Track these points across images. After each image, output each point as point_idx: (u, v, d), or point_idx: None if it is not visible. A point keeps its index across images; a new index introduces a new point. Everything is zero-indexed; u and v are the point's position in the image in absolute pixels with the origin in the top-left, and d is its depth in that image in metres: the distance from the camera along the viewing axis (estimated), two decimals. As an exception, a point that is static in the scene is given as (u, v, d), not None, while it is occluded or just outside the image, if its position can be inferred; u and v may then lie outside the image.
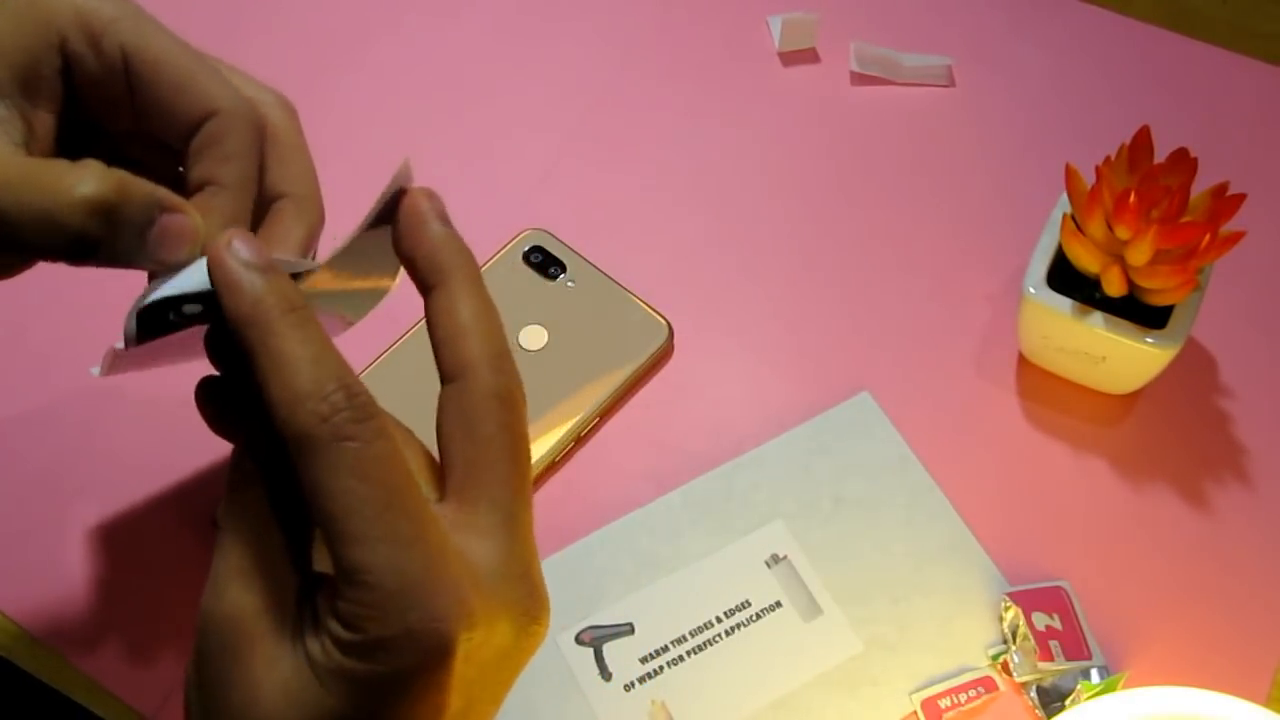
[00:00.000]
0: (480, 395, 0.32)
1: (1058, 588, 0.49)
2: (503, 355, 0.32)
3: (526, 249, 0.58)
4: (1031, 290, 0.51)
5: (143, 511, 0.52)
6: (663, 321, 0.56)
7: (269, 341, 0.30)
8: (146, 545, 0.51)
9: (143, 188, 0.33)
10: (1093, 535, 0.51)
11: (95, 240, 0.32)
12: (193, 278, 0.32)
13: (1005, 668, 0.47)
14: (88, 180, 0.32)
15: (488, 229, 0.59)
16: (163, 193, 0.33)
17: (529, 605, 0.32)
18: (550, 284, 0.57)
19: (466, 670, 0.30)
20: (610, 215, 0.61)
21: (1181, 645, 0.48)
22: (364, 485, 0.29)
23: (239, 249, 0.31)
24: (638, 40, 0.67)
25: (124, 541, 0.51)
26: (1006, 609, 0.48)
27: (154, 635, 0.49)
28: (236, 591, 0.30)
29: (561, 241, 0.58)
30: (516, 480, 0.32)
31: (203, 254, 0.33)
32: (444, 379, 0.33)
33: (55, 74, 0.35)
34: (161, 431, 0.53)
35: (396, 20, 0.68)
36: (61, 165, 0.33)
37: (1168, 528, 0.51)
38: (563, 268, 0.57)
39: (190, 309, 0.33)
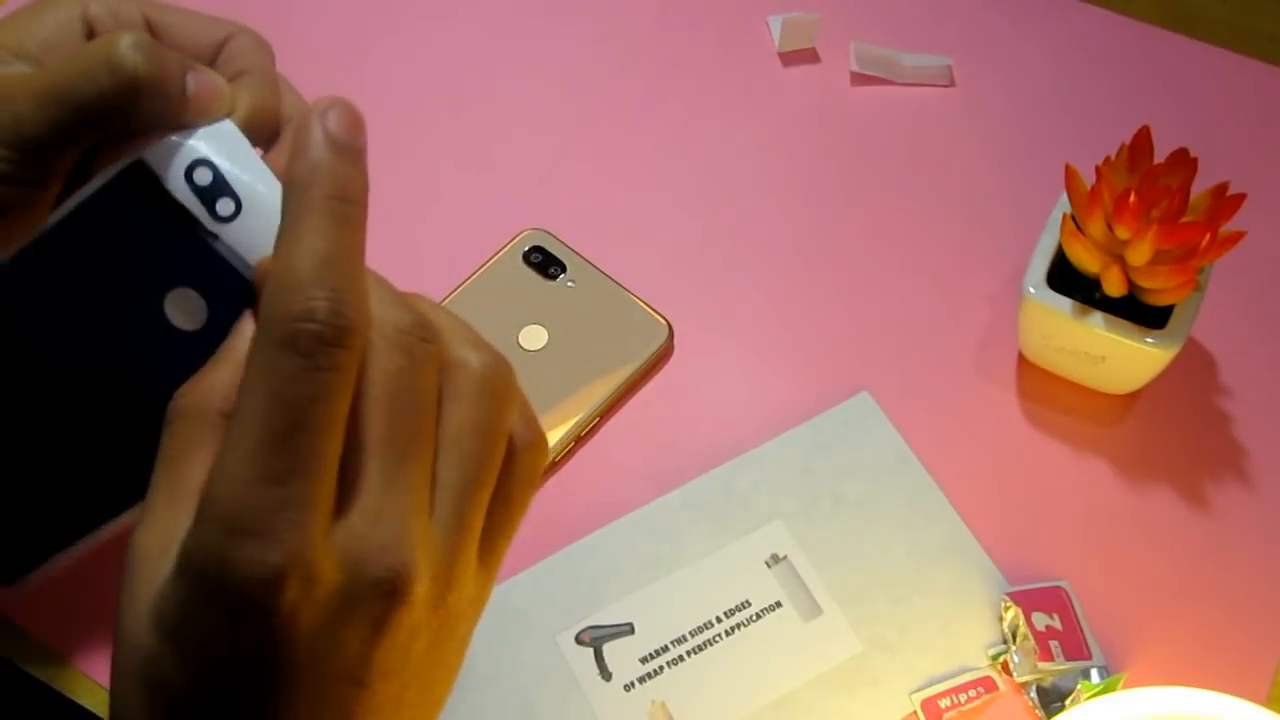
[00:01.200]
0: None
1: (1058, 588, 0.49)
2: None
3: (526, 249, 0.58)
4: (1031, 290, 0.51)
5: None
6: (663, 321, 0.56)
7: (299, 215, 0.28)
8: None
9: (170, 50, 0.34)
10: (1093, 535, 0.51)
11: (139, 79, 0.32)
12: (211, 141, 0.32)
13: (1005, 668, 0.47)
14: (129, 34, 0.33)
15: (488, 229, 0.59)
16: (187, 58, 0.34)
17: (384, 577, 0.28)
18: (550, 284, 0.57)
19: (296, 632, 0.27)
20: (610, 215, 0.61)
21: (1181, 645, 0.48)
22: (274, 403, 0.26)
23: (331, 117, 0.29)
24: (638, 40, 0.67)
25: (126, 541, 0.51)
26: (1006, 609, 0.48)
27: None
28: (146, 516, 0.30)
29: (561, 241, 0.58)
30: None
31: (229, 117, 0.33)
32: None
33: (79, 40, 0.37)
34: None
35: (396, 21, 0.68)
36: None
37: (1168, 528, 0.51)
38: (563, 268, 0.57)
39: (202, 176, 0.32)
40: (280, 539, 0.26)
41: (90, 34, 0.37)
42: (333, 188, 0.28)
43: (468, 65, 0.66)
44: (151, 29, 0.38)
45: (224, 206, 0.32)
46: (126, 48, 0.32)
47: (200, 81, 0.33)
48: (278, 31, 0.68)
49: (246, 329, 0.31)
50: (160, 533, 0.29)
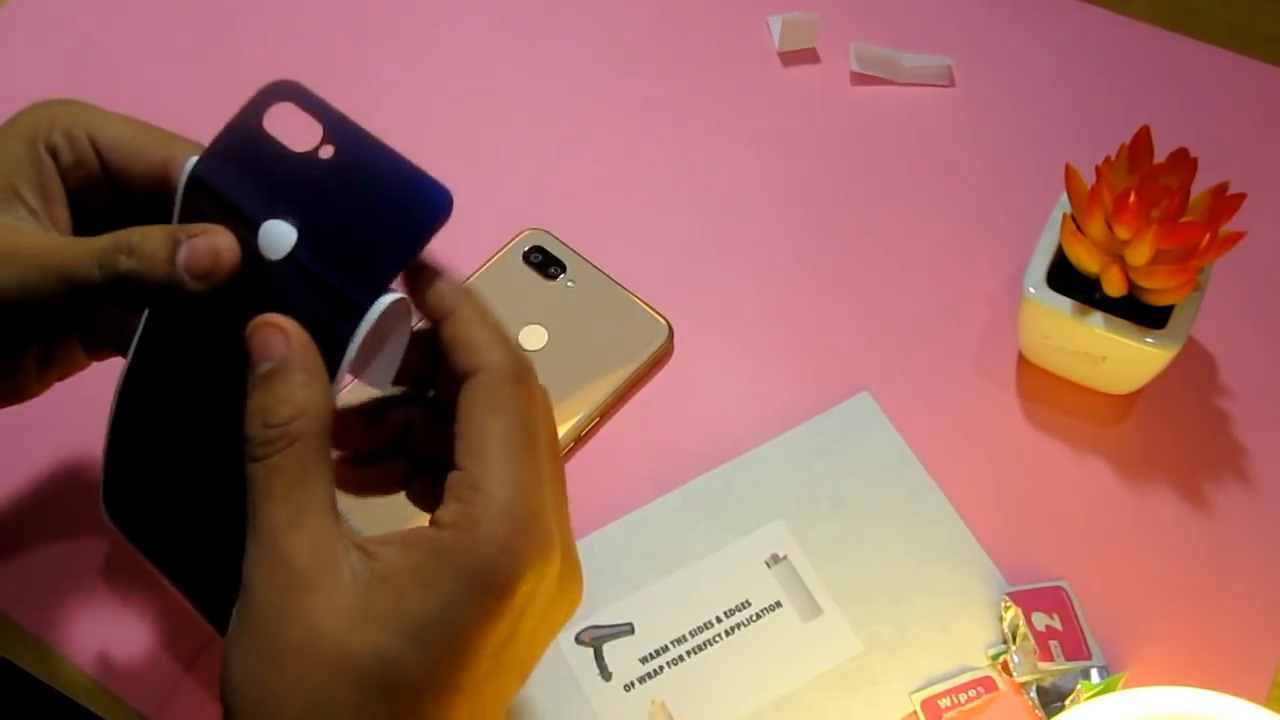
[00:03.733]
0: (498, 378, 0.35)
1: (1057, 588, 0.49)
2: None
3: (526, 249, 0.58)
4: (1031, 290, 0.51)
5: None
6: (663, 321, 0.56)
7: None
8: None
9: (157, 228, 0.38)
10: (1093, 535, 0.51)
11: (127, 276, 0.37)
12: None
13: (1005, 668, 0.47)
14: (123, 242, 0.38)
15: (488, 229, 0.59)
16: (182, 226, 0.38)
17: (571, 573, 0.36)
18: (550, 284, 0.57)
19: (527, 604, 0.34)
20: (610, 215, 0.61)
21: (1181, 645, 0.48)
22: (521, 424, 0.35)
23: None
24: (638, 40, 0.67)
25: (125, 542, 0.51)
26: (1006, 609, 0.48)
27: (154, 635, 0.49)
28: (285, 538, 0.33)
29: (561, 241, 0.58)
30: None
31: None
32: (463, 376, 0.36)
33: (54, 173, 0.41)
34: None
35: (396, 21, 0.68)
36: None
37: (1168, 528, 0.51)
38: (563, 268, 0.57)
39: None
40: (550, 537, 0.34)
41: (55, 161, 0.42)
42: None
43: (468, 65, 0.66)
44: (98, 147, 0.42)
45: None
46: (118, 256, 0.37)
47: (193, 248, 0.37)
48: (278, 32, 0.68)
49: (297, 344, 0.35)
50: (321, 541, 0.33)
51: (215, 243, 0.37)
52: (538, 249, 0.58)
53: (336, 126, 0.38)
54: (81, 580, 0.50)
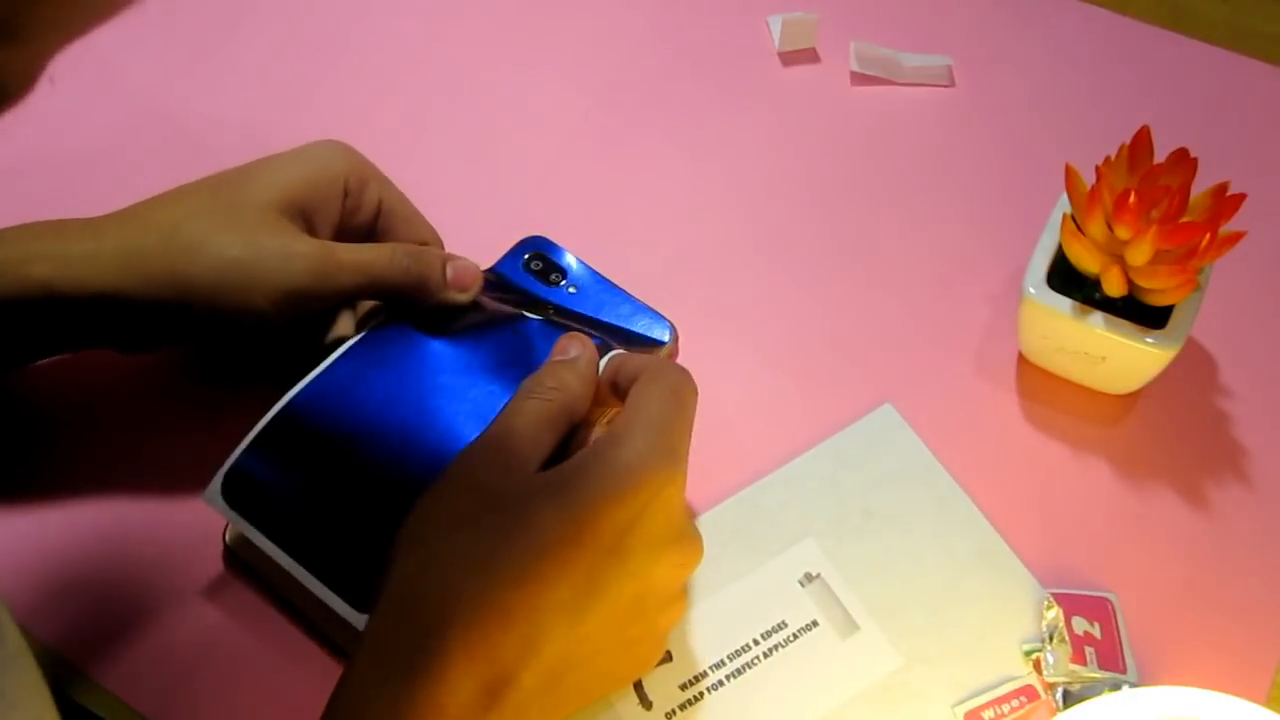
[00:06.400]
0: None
1: (1104, 599, 0.48)
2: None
3: (527, 255, 0.57)
4: (1031, 290, 0.51)
5: (144, 512, 0.51)
6: (667, 326, 0.55)
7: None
8: (147, 546, 0.50)
9: (429, 250, 0.51)
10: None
11: (416, 278, 0.49)
12: None
13: (1037, 665, 0.47)
14: (413, 249, 0.50)
15: (488, 233, 0.57)
16: (446, 253, 0.51)
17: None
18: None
19: (654, 498, 0.40)
20: (611, 219, 0.60)
21: (1181, 645, 0.48)
22: (671, 394, 0.43)
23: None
24: (638, 41, 0.66)
25: (125, 542, 0.50)
26: (1049, 607, 0.47)
27: (154, 635, 0.48)
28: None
29: (562, 248, 0.57)
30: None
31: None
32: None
33: (339, 203, 0.50)
34: (166, 436, 0.52)
35: (396, 21, 0.67)
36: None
37: (1168, 528, 0.52)
38: (564, 274, 0.56)
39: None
40: (679, 454, 0.43)
41: (345, 194, 0.51)
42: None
43: (468, 66, 0.65)
44: (381, 209, 0.52)
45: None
46: (410, 258, 0.49)
47: (456, 267, 0.50)
48: (278, 32, 0.66)
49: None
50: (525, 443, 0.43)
51: (472, 265, 0.51)
52: (539, 255, 0.57)
53: (579, 273, 0.56)
54: (82, 580, 0.49)
